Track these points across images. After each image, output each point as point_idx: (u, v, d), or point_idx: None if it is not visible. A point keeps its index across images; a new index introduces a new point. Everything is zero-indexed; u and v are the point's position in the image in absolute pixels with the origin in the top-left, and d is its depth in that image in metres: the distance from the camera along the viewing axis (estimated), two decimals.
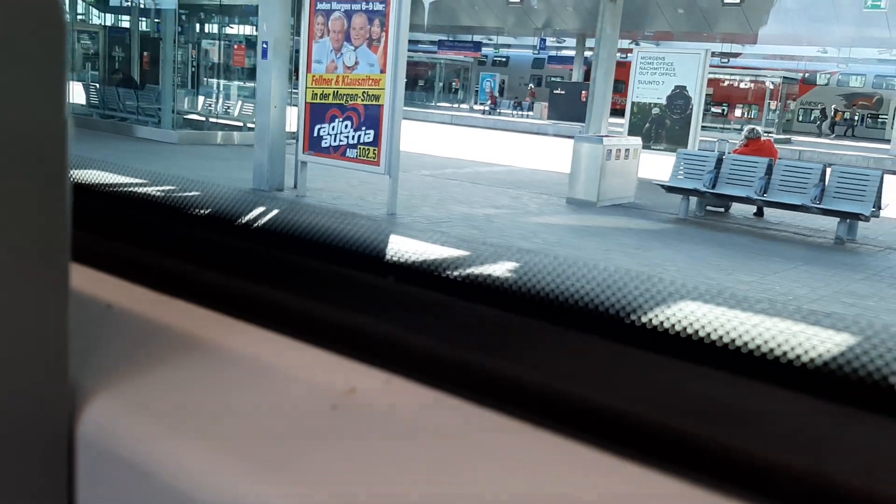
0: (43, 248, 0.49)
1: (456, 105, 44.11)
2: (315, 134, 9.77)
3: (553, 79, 42.88)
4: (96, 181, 0.89)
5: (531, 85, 44.84)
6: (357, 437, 0.49)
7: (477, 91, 45.82)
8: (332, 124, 9.58)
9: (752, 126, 12.34)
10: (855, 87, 42.68)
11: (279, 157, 10.55)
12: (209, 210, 0.83)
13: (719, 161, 11.01)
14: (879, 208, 10.02)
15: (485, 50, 47.32)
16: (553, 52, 46.94)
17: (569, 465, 0.45)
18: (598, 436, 0.46)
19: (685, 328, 0.49)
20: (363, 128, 9.33)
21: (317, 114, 9.73)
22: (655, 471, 0.43)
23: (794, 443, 0.43)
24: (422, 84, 45.86)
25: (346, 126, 9.44)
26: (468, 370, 0.54)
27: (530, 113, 39.64)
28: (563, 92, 36.91)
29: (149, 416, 0.52)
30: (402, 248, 0.67)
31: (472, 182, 13.13)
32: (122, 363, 0.58)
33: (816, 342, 0.44)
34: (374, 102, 9.23)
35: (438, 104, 42.93)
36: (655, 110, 15.36)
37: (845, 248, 9.76)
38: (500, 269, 0.63)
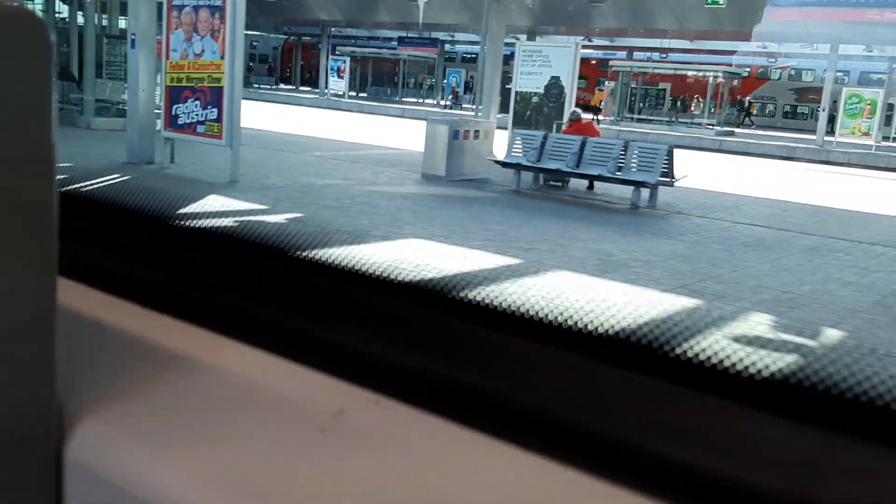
0: (29, 262, 0.48)
1: (420, 100, 45.45)
2: (173, 113, 11.28)
3: None
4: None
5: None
6: (345, 460, 0.49)
7: (444, 87, 47.17)
8: (185, 104, 11.09)
9: (574, 109, 13.83)
10: (806, 81, 44.08)
11: (148, 134, 12.05)
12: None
13: (545, 139, 12.47)
14: (672, 178, 11.49)
15: (453, 46, 48.61)
16: None
17: (558, 488, 0.45)
18: (588, 460, 0.46)
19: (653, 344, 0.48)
20: (209, 106, 10.85)
21: (174, 95, 11.25)
22: (647, 496, 0.43)
23: (781, 468, 0.43)
24: (387, 80, 47.19)
25: (196, 105, 10.96)
26: (457, 391, 0.54)
27: None
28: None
29: (138, 436, 0.52)
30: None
31: (352, 161, 14.55)
32: (111, 382, 0.57)
33: (810, 371, 0.44)
34: (216, 84, 10.75)
35: (404, 99, 44.32)
36: (535, 99, 16.79)
37: (637, 212, 11.20)
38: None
